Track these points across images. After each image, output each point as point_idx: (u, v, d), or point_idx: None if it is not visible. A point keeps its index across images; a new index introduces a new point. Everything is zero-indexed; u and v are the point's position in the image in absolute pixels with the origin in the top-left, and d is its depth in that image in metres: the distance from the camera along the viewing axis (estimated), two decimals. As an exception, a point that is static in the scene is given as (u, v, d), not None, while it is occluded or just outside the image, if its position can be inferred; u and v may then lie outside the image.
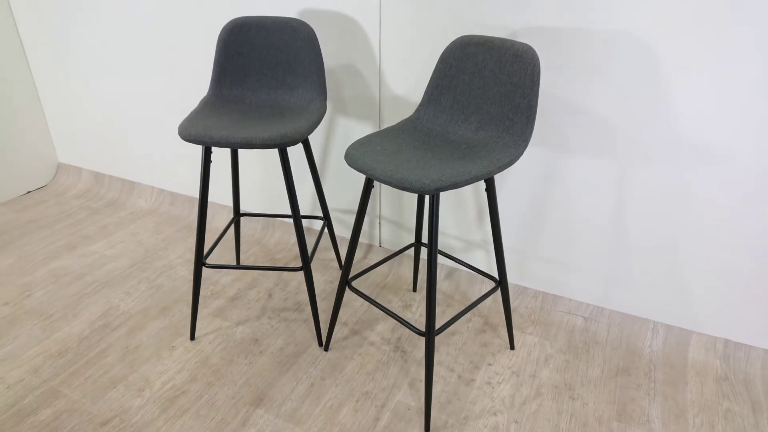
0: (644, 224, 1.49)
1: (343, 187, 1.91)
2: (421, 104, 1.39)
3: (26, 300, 1.77)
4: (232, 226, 2.13)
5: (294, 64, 1.53)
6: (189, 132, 1.31)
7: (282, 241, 2.11)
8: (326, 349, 1.55)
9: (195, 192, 2.32)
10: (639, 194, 1.46)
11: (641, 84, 1.34)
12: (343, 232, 2.02)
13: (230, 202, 2.23)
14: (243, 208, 2.20)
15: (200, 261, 1.51)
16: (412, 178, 1.08)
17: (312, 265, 1.97)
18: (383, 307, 1.35)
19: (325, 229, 2.05)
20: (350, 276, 1.51)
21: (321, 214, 2.03)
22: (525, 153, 1.55)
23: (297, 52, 1.52)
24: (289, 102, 1.55)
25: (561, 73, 1.42)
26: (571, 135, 1.47)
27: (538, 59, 1.17)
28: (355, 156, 1.20)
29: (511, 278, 1.76)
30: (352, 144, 1.25)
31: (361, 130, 1.77)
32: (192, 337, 1.59)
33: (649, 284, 1.56)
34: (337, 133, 1.82)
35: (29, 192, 2.55)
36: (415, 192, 1.08)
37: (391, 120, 1.71)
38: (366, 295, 1.39)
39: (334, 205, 1.97)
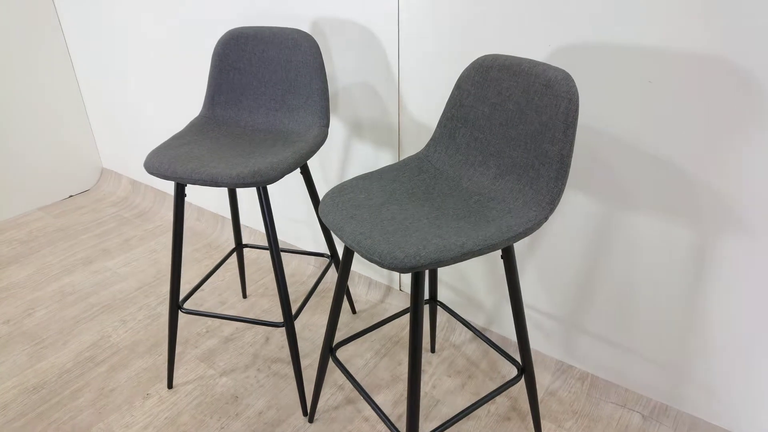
0: (730, 311, 1.10)
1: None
2: (432, 139, 1.10)
3: (26, 319, 1.70)
4: (239, 254, 1.95)
5: (295, 82, 1.31)
6: (152, 163, 1.13)
7: (298, 272, 1.90)
8: (311, 420, 1.31)
9: (221, 209, 2.18)
10: (727, 272, 1.08)
11: (739, 122, 0.96)
12: (359, 268, 1.77)
13: (262, 227, 2.06)
14: (262, 230, 2.02)
15: (175, 305, 1.33)
16: (382, 249, 0.80)
17: (315, 307, 1.74)
18: (366, 395, 1.08)
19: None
20: (349, 333, 1.26)
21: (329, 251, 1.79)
22: (575, 196, 1.21)
23: (298, 68, 1.29)
24: (288, 126, 1.32)
25: (619, 104, 1.07)
26: (634, 184, 1.12)
27: (575, 92, 0.85)
28: (327, 208, 0.94)
29: (553, 352, 1.42)
30: (333, 189, 1.00)
31: (378, 158, 1.51)
32: (170, 386, 1.42)
33: (737, 388, 1.16)
34: (354, 158, 1.57)
35: (71, 196, 2.55)
36: (385, 268, 0.81)
37: (411, 148, 1.43)
38: (348, 373, 1.13)
39: (352, 240, 1.73)
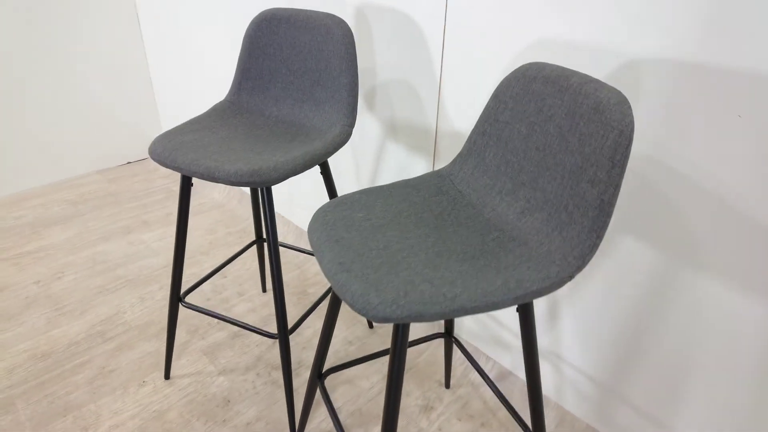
0: (816, 415, 0.86)
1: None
2: (459, 155, 0.94)
3: (55, 282, 1.73)
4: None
5: (324, 73, 1.18)
6: (155, 148, 1.05)
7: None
8: (298, 442, 1.21)
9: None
10: (815, 365, 0.83)
11: None
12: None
13: (296, 218, 1.98)
14: (298, 224, 1.93)
15: (176, 297, 1.26)
16: (356, 289, 0.67)
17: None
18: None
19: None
20: (325, 365, 1.14)
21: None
22: (632, 242, 1.00)
23: (328, 58, 1.16)
24: (312, 121, 1.20)
25: (697, 136, 0.85)
26: (703, 235, 0.89)
27: (629, 123, 0.65)
28: (315, 225, 0.82)
29: (584, 414, 1.22)
30: (330, 203, 0.87)
31: (412, 164, 1.35)
32: (166, 376, 1.37)
33: None
34: (387, 162, 1.43)
35: (129, 163, 2.60)
36: (358, 312, 0.67)
37: (447, 157, 1.27)
38: (332, 408, 1.01)
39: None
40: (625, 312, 1.05)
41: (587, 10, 0.90)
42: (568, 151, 0.74)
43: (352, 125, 1.15)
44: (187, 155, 1.01)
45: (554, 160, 0.77)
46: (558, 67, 0.80)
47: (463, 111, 1.19)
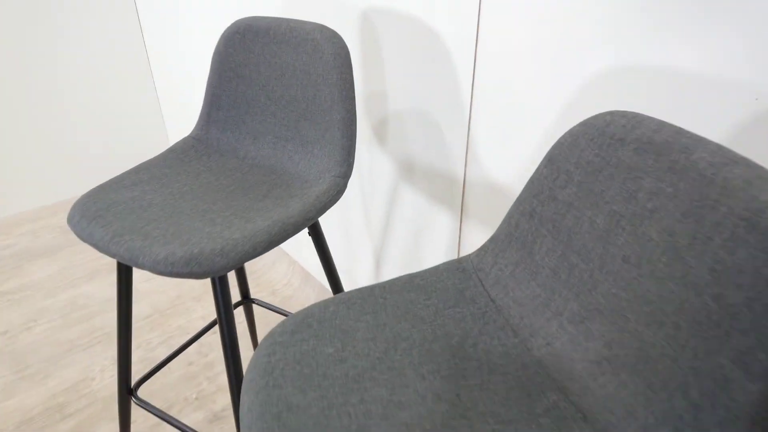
0: None
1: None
2: (493, 240, 0.62)
3: (24, 334, 1.50)
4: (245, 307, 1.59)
5: (312, 104, 0.88)
6: (73, 214, 0.77)
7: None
8: None
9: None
10: None
11: None
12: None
13: (308, 266, 1.69)
14: (304, 266, 1.64)
15: (126, 390, 0.99)
16: None
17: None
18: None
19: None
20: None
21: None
22: None
23: (317, 84, 0.86)
24: (297, 166, 0.90)
25: None
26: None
27: None
28: (251, 379, 0.51)
29: None
30: (283, 325, 0.57)
31: (434, 214, 1.03)
32: (123, 477, 1.11)
33: None
34: (400, 213, 1.11)
35: (133, 183, 2.38)
36: None
37: (478, 214, 0.93)
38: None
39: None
40: None
41: (707, 26, 0.56)
42: (689, 283, 0.41)
43: (346, 176, 0.84)
44: (110, 227, 0.73)
45: (659, 290, 0.44)
46: (663, 123, 0.46)
47: (500, 156, 0.85)
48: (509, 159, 0.84)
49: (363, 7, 0.98)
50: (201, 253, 0.66)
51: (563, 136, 0.53)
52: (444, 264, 0.64)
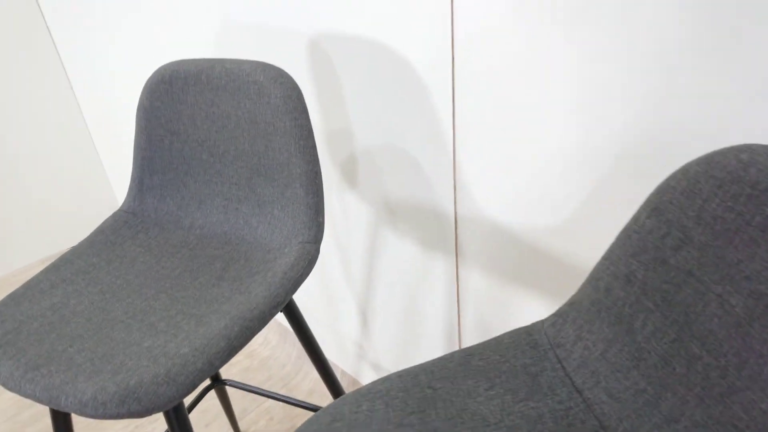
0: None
1: (397, 338, 1.05)
2: (572, 304, 0.48)
3: (-37, 449, 1.29)
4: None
5: (265, 157, 0.73)
6: (-30, 344, 0.60)
7: (317, 388, 1.34)
8: None
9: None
10: None
11: None
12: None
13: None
14: (279, 320, 1.48)
15: None
16: None
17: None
18: None
19: None
20: None
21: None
22: None
23: (268, 134, 0.71)
24: (255, 232, 0.75)
25: None
26: None
27: None
28: None
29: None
30: (317, 418, 0.41)
31: (425, 259, 0.89)
32: None
33: None
34: (385, 265, 0.96)
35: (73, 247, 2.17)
36: None
37: (476, 250, 0.80)
38: None
39: (384, 363, 1.13)
40: None
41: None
42: None
43: (317, 240, 0.69)
44: (21, 356, 0.56)
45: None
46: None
47: (495, 188, 0.72)
48: (505, 190, 0.70)
49: (310, 35, 0.84)
50: (139, 385, 0.50)
51: (673, 177, 0.39)
52: (508, 335, 0.49)
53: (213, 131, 0.76)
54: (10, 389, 0.55)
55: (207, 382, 1.09)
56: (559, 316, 0.48)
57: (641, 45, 0.48)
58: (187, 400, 1.40)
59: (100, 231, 0.79)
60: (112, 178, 2.16)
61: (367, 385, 0.46)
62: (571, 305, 0.47)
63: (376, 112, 0.81)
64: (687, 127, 0.47)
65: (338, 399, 0.44)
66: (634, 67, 0.50)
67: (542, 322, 0.49)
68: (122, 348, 0.56)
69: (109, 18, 1.37)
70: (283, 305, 0.63)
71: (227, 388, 1.34)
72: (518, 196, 0.68)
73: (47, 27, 1.83)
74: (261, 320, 0.59)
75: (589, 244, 0.63)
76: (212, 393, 1.36)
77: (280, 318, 1.46)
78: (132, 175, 0.82)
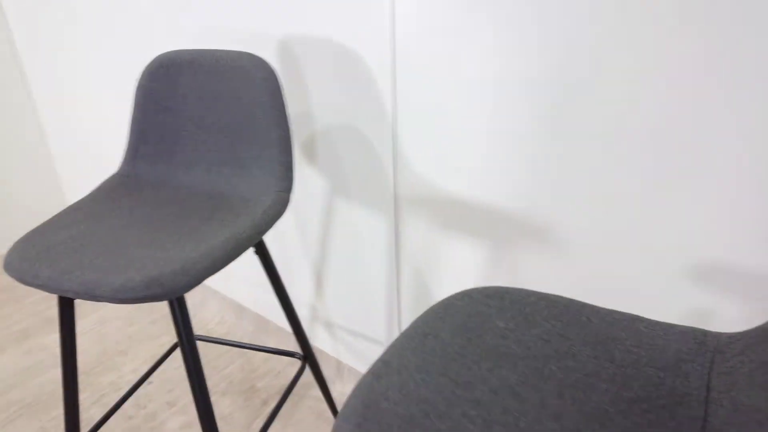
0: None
1: (347, 297, 1.25)
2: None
3: None
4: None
5: (247, 127, 0.91)
6: (10, 260, 0.74)
7: (274, 357, 1.49)
8: None
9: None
10: None
11: None
12: (352, 361, 1.35)
13: (254, 298, 1.66)
14: (238, 301, 1.62)
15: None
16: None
17: (288, 417, 1.32)
18: None
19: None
20: None
21: (300, 350, 1.38)
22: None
23: (250, 108, 0.90)
24: (237, 189, 0.93)
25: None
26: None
27: None
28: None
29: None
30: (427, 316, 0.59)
31: (371, 224, 1.10)
32: None
33: None
34: (339, 225, 1.16)
35: (29, 245, 2.20)
36: None
37: (411, 211, 1.01)
38: None
39: (336, 320, 1.31)
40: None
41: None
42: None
43: (289, 190, 0.89)
44: (56, 265, 0.71)
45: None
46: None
47: (426, 158, 0.94)
48: (435, 160, 0.93)
49: (279, 36, 1.05)
50: (161, 276, 0.67)
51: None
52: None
53: (202, 107, 0.94)
54: (50, 289, 0.70)
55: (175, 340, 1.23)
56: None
57: (552, 40, 0.73)
58: (159, 354, 1.51)
59: (99, 189, 0.94)
60: (63, 177, 2.22)
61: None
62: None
63: (332, 97, 1.02)
64: (583, 80, 0.72)
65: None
66: (540, 56, 0.74)
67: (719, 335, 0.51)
68: (140, 258, 0.72)
69: (75, 22, 1.51)
70: (265, 233, 0.81)
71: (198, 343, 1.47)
72: (447, 164, 0.91)
73: (8, 26, 1.92)
74: (249, 240, 0.77)
75: (504, 202, 0.86)
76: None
77: (236, 296, 1.60)
78: (128, 144, 0.98)
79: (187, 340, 0.78)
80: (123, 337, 1.62)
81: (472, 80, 0.81)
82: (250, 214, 0.83)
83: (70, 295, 0.69)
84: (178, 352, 1.52)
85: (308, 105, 1.08)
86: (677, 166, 0.67)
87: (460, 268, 0.98)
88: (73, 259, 0.72)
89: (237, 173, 0.94)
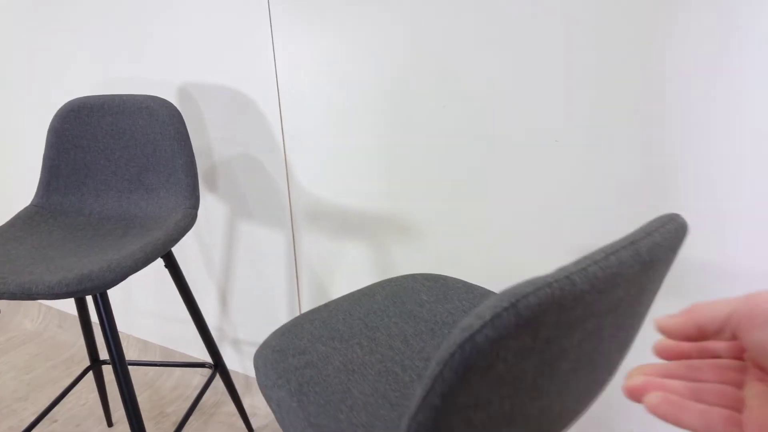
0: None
1: (251, 311, 1.40)
2: None
3: None
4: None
5: (153, 157, 1.08)
6: (-61, 275, 0.83)
7: (182, 384, 1.57)
8: None
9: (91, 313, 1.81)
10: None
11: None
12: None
13: (142, 331, 1.71)
14: (139, 336, 1.68)
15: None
16: None
17: (201, 429, 1.42)
18: None
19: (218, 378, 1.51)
20: None
21: (210, 360, 1.50)
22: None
23: (156, 141, 1.07)
24: (145, 211, 1.07)
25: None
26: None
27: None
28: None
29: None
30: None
31: (269, 240, 1.28)
32: None
33: None
34: (241, 241, 1.33)
35: None
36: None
37: (306, 226, 1.22)
38: None
39: (242, 336, 1.45)
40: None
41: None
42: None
43: (195, 206, 1.05)
44: (-12, 274, 0.81)
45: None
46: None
47: (312, 172, 1.17)
48: (324, 177, 1.16)
49: (178, 83, 1.23)
50: (91, 272, 0.81)
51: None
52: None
53: (111, 143, 1.09)
54: (-17, 295, 0.79)
55: (88, 363, 1.29)
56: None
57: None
58: (69, 380, 1.52)
59: (15, 219, 1.04)
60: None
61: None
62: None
63: (229, 132, 1.22)
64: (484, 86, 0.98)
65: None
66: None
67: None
68: (68, 264, 0.85)
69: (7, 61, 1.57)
70: (177, 242, 0.97)
71: (103, 367, 1.51)
72: (333, 181, 1.14)
73: None
74: (165, 246, 0.93)
75: (376, 203, 1.10)
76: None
77: (140, 333, 1.67)
78: (40, 180, 1.09)
79: (109, 328, 0.90)
80: (21, 385, 1.60)
81: (339, 109, 1.06)
82: (162, 228, 0.99)
83: (6, 298, 0.80)
84: (82, 386, 1.54)
85: (208, 140, 1.26)
86: (496, 165, 0.96)
87: (351, 268, 1.20)
88: (7, 268, 0.83)
89: (145, 197, 1.08)
